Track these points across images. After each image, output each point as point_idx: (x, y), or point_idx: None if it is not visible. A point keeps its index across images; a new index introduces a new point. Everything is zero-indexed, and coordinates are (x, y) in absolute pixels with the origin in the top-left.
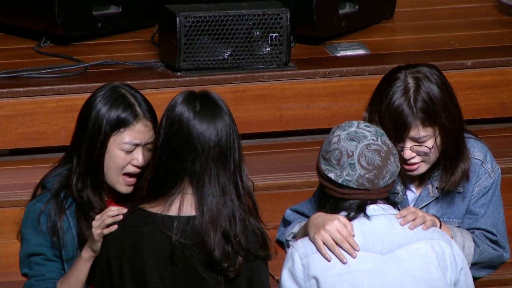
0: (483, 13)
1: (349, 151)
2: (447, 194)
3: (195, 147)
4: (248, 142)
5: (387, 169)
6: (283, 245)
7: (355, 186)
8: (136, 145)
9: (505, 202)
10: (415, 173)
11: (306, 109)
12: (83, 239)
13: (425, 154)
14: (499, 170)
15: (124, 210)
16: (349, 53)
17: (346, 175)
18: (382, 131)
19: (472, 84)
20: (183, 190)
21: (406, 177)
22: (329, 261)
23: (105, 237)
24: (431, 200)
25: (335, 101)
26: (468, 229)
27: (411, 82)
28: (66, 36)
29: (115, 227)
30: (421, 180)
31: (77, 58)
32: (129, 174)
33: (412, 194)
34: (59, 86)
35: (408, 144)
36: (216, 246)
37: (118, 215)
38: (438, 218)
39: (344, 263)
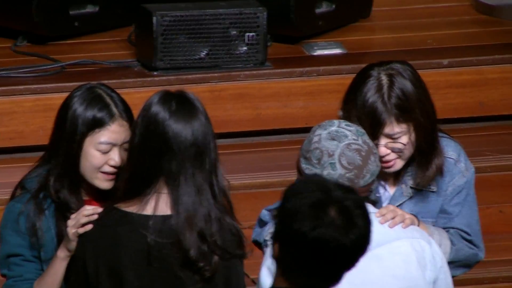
0: (460, 12)
1: (329, 151)
2: (420, 194)
3: (171, 147)
4: (226, 141)
5: (367, 169)
6: (261, 245)
7: None
8: (112, 145)
9: (481, 201)
10: (391, 169)
11: (283, 108)
12: (62, 240)
13: (400, 150)
14: (473, 169)
15: (99, 210)
16: (326, 52)
17: (327, 175)
18: (363, 131)
19: (450, 83)
20: (158, 189)
21: (381, 175)
22: None
23: (81, 237)
24: (405, 199)
25: (313, 100)
26: (442, 228)
27: (384, 79)
28: (43, 35)
29: (90, 226)
30: (395, 178)
31: (54, 58)
32: (106, 172)
33: (386, 193)
34: (36, 86)
35: (383, 141)
36: (191, 246)
37: (93, 214)
38: (416, 216)
39: None
